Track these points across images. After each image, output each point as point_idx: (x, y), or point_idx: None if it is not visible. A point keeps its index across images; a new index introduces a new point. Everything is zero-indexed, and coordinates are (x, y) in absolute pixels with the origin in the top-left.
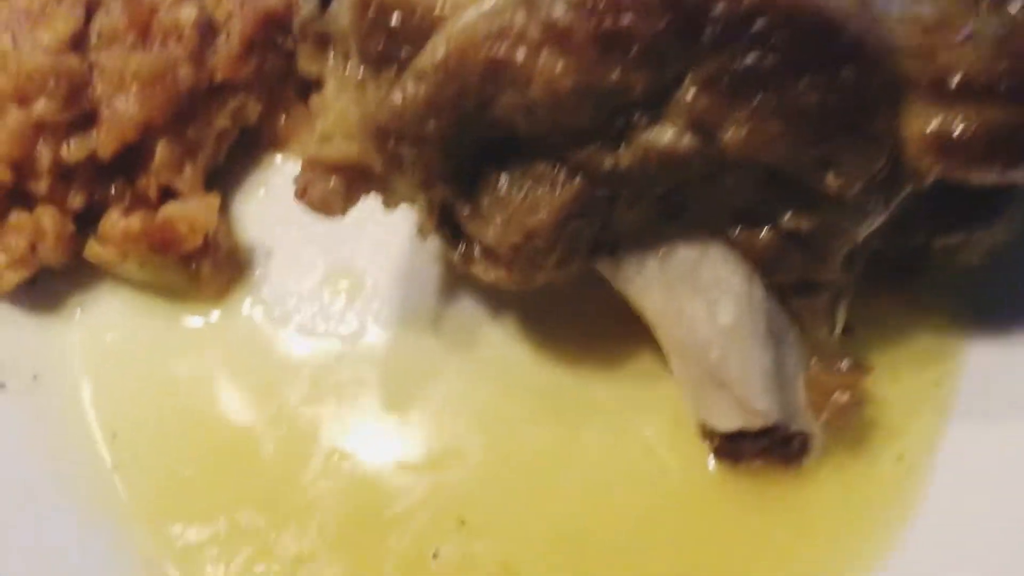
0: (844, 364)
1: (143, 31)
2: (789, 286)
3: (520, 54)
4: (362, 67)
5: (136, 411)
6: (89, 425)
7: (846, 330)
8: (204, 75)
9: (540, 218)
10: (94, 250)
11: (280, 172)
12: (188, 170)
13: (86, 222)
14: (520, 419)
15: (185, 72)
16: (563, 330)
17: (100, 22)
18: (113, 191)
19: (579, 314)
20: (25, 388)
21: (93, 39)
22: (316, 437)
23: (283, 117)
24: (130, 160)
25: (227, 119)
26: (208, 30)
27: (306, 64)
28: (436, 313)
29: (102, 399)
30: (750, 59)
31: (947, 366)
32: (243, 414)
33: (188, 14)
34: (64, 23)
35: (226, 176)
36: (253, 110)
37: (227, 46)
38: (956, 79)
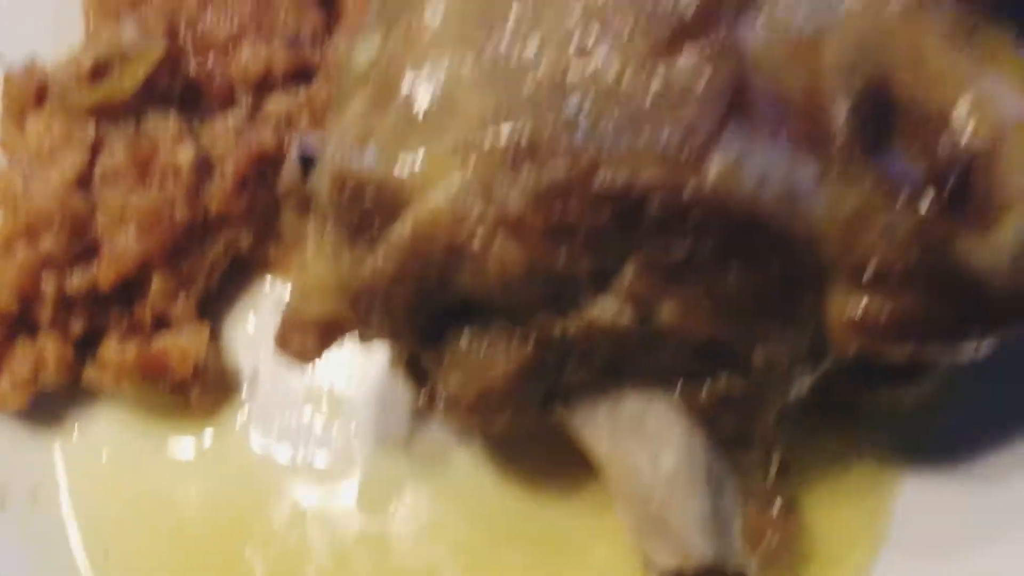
0: (776, 507)
1: (143, 171)
2: (726, 437)
3: (477, 238)
4: (339, 235)
5: (128, 529)
6: (83, 542)
7: (783, 468)
8: (199, 210)
9: (495, 377)
10: (91, 376)
11: (268, 297)
12: (182, 299)
13: (84, 345)
14: (489, 544)
15: (182, 210)
16: (524, 457)
17: (104, 163)
18: (111, 319)
19: (538, 442)
20: (23, 505)
21: (97, 178)
22: (302, 563)
23: (273, 246)
24: (127, 290)
25: (220, 250)
26: (204, 168)
27: (289, 226)
28: (409, 435)
29: (96, 517)
30: (684, 248)
31: (880, 500)
32: (231, 537)
33: (186, 155)
34: (71, 165)
35: (217, 301)
36: (245, 240)
37: (222, 183)
38: (872, 268)
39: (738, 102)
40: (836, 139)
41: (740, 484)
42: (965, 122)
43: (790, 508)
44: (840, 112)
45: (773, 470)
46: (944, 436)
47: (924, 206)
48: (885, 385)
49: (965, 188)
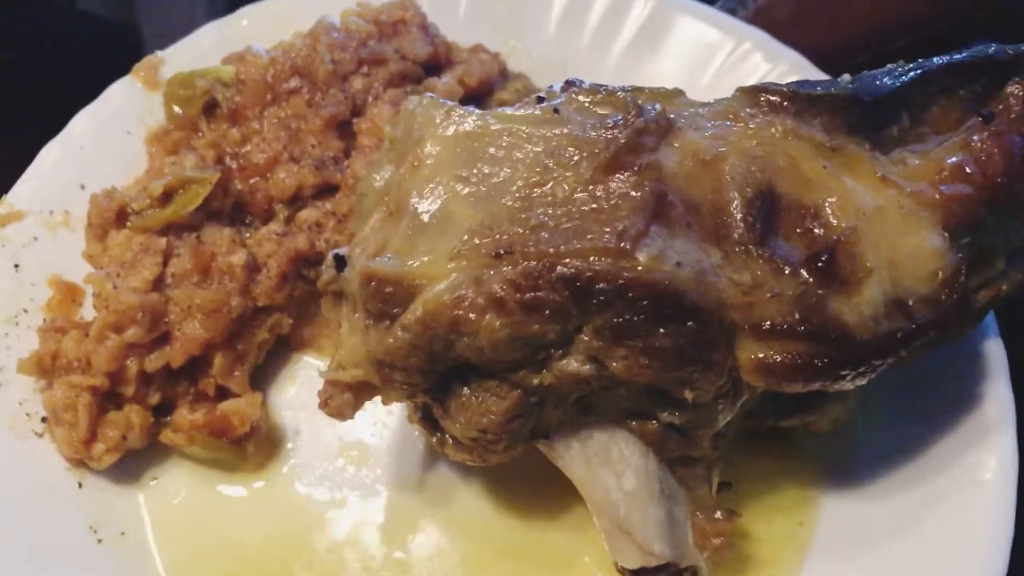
0: (719, 513)
1: (205, 272)
2: (675, 459)
3: (471, 315)
4: (366, 318)
5: (196, 560)
6: (161, 571)
7: (727, 485)
8: (250, 301)
9: (491, 419)
10: (168, 436)
11: (305, 368)
12: (238, 373)
13: (160, 413)
14: (490, 559)
15: (236, 302)
16: (517, 490)
17: (174, 266)
18: (181, 390)
19: (528, 477)
20: (115, 541)
21: (168, 279)
22: None
23: (307, 327)
24: (194, 366)
25: (266, 333)
26: (253, 268)
27: (327, 311)
28: (421, 477)
29: (170, 550)
30: (624, 317)
31: (809, 511)
32: (281, 563)
33: (239, 258)
34: (149, 270)
35: (265, 373)
36: (286, 324)
37: (267, 279)
38: (767, 324)
39: (659, 208)
40: (734, 233)
41: (689, 497)
42: (832, 215)
43: (731, 516)
44: (736, 213)
45: (715, 484)
46: (859, 461)
47: (803, 278)
48: (796, 413)
49: (834, 263)
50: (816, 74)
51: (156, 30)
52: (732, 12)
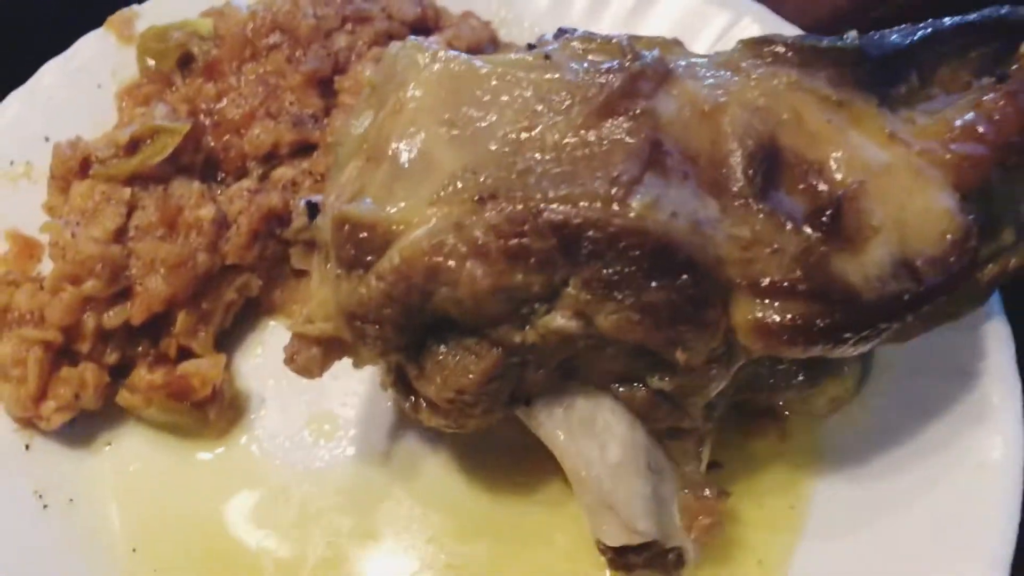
0: (709, 492)
1: (171, 226)
2: (663, 431)
3: (451, 263)
4: (338, 267)
5: (154, 529)
6: (114, 540)
7: (717, 465)
8: (217, 259)
9: (468, 379)
10: (124, 397)
11: (275, 334)
12: (202, 334)
13: (117, 374)
14: (461, 535)
15: (203, 258)
16: (492, 462)
17: (138, 218)
18: (141, 350)
19: (504, 449)
20: (63, 508)
21: (132, 232)
22: (305, 555)
23: (278, 290)
24: (155, 325)
25: (234, 293)
26: (223, 224)
27: (297, 261)
28: (389, 447)
29: (125, 519)
30: (614, 269)
31: (801, 493)
32: (244, 534)
33: (207, 212)
34: (110, 220)
35: (231, 337)
36: (255, 285)
37: (236, 236)
38: (766, 281)
39: (655, 156)
40: (733, 185)
41: (677, 473)
42: (837, 170)
43: (721, 495)
44: (737, 165)
45: (705, 460)
46: (852, 445)
47: (806, 234)
48: (793, 386)
49: (839, 220)
50: None
51: None
52: None
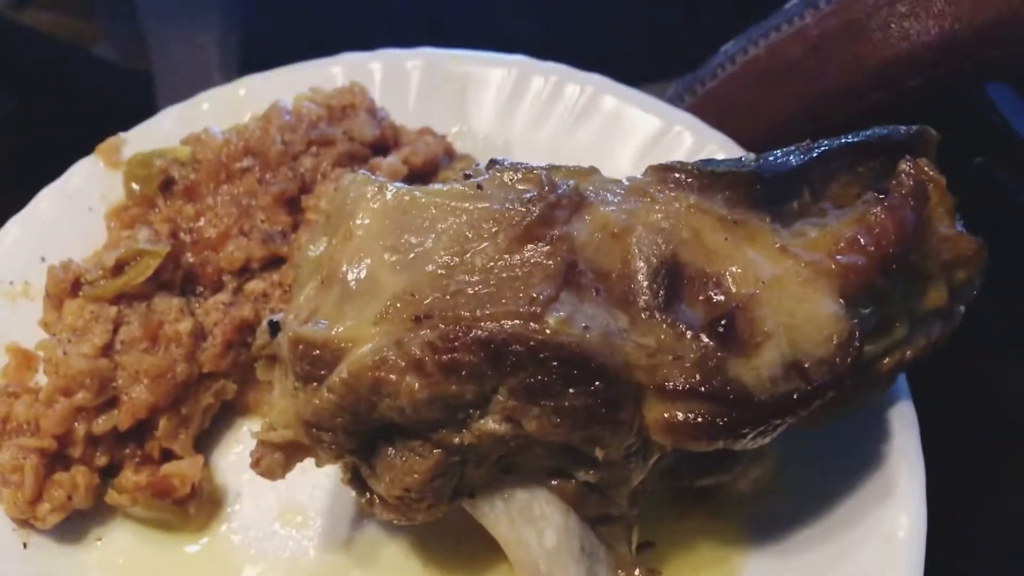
0: (639, 572)
1: (153, 340)
2: (595, 517)
3: (392, 376)
4: (295, 381)
5: None
6: None
7: (650, 544)
8: (195, 368)
9: (414, 478)
10: (113, 497)
11: (248, 433)
12: (182, 437)
13: (106, 474)
14: None
15: (182, 368)
16: (444, 547)
17: (123, 333)
18: (127, 452)
19: (454, 535)
20: None
21: (118, 346)
22: None
23: (252, 393)
24: (140, 430)
25: (211, 398)
26: (200, 335)
27: (261, 373)
28: (351, 534)
29: None
30: (536, 378)
31: (732, 568)
32: None
33: (185, 326)
34: (98, 336)
35: (209, 436)
36: (230, 390)
37: (212, 346)
38: (671, 385)
39: (570, 276)
40: (640, 299)
41: (609, 555)
42: (732, 282)
43: (651, 574)
44: (643, 281)
45: (634, 543)
46: (779, 521)
47: (703, 342)
48: (711, 473)
49: (734, 328)
50: (739, 152)
51: (168, 80)
52: (680, 99)
